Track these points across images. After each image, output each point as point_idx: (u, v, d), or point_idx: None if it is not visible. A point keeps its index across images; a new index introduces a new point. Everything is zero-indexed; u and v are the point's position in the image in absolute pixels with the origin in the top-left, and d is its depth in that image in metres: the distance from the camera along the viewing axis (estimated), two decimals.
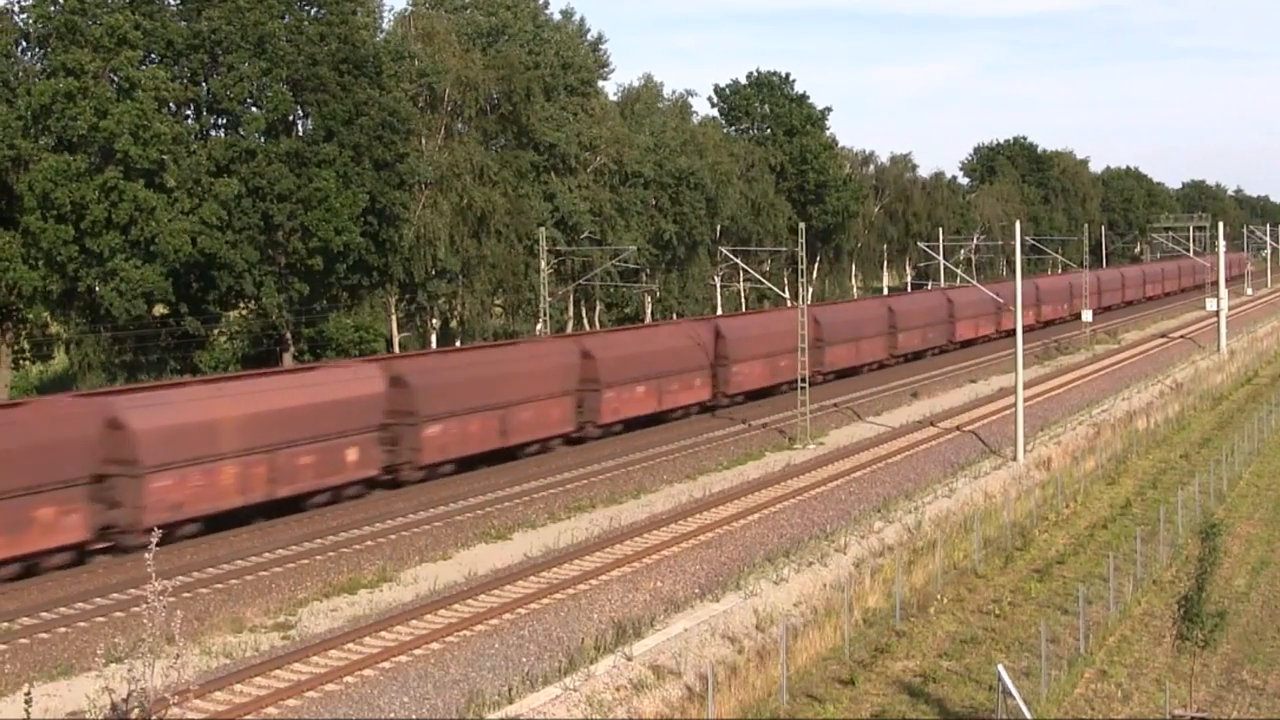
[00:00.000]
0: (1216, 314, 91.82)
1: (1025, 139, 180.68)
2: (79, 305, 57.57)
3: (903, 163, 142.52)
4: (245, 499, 36.68)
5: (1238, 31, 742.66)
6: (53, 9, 56.57)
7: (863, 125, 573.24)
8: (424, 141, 71.99)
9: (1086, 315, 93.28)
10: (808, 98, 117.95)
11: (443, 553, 35.08)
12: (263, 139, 61.88)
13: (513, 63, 77.70)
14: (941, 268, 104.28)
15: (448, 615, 29.01)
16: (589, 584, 31.67)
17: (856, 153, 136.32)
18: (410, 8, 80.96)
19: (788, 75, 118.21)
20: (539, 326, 71.03)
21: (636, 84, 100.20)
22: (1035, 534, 38.78)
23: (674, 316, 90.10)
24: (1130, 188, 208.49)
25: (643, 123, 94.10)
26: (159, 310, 61.54)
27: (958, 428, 56.15)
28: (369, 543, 35.57)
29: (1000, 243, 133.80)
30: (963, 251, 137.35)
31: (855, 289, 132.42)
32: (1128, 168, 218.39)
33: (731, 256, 76.06)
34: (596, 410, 51.03)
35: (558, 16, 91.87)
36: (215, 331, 64.69)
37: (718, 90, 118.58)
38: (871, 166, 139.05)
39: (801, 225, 61.08)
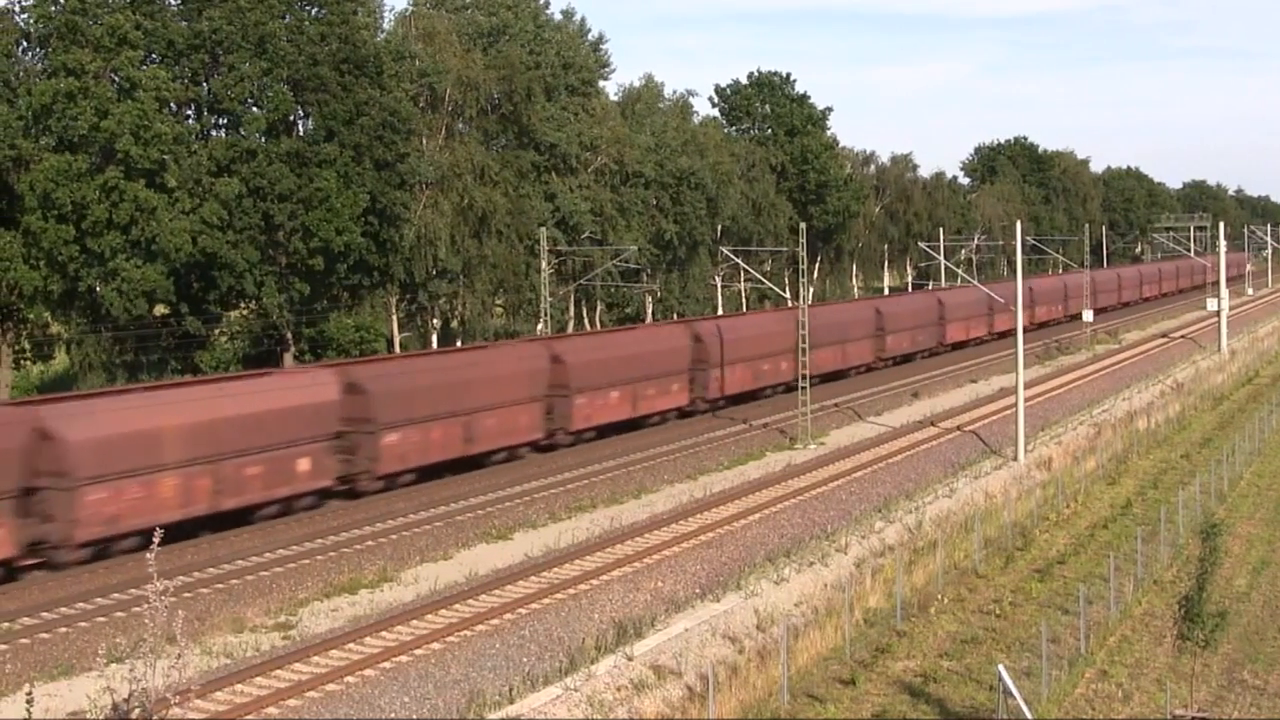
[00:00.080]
0: (1217, 314, 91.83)
1: (1026, 139, 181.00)
2: (80, 305, 57.60)
3: (903, 163, 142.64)
4: (187, 512, 34.97)
5: (1238, 31, 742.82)
6: (53, 9, 56.61)
7: (863, 125, 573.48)
8: (425, 141, 72.01)
9: (1087, 315, 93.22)
10: (808, 98, 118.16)
11: (443, 553, 35.08)
12: (263, 139, 61.92)
13: (513, 63, 77.73)
14: (942, 268, 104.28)
15: (448, 615, 29.01)
16: (590, 584, 31.67)
17: (857, 153, 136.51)
18: (411, 8, 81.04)
19: (788, 75, 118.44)
20: (540, 326, 71.03)
21: (637, 84, 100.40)
22: (1036, 534, 38.79)
23: (674, 316, 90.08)
24: (1131, 188, 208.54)
25: (643, 123, 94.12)
26: (160, 310, 61.59)
27: (958, 428, 56.14)
28: (370, 543, 35.57)
29: (1001, 243, 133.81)
30: (963, 252, 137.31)
31: (856, 289, 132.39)
32: (1128, 168, 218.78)
33: (732, 256, 76.01)
34: (568, 416, 49.47)
35: (558, 16, 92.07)
36: (216, 331, 64.72)
37: (718, 90, 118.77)
38: (872, 166, 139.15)
39: (802, 225, 61.02)
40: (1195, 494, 42.12)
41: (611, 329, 70.78)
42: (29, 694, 14.02)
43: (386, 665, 25.74)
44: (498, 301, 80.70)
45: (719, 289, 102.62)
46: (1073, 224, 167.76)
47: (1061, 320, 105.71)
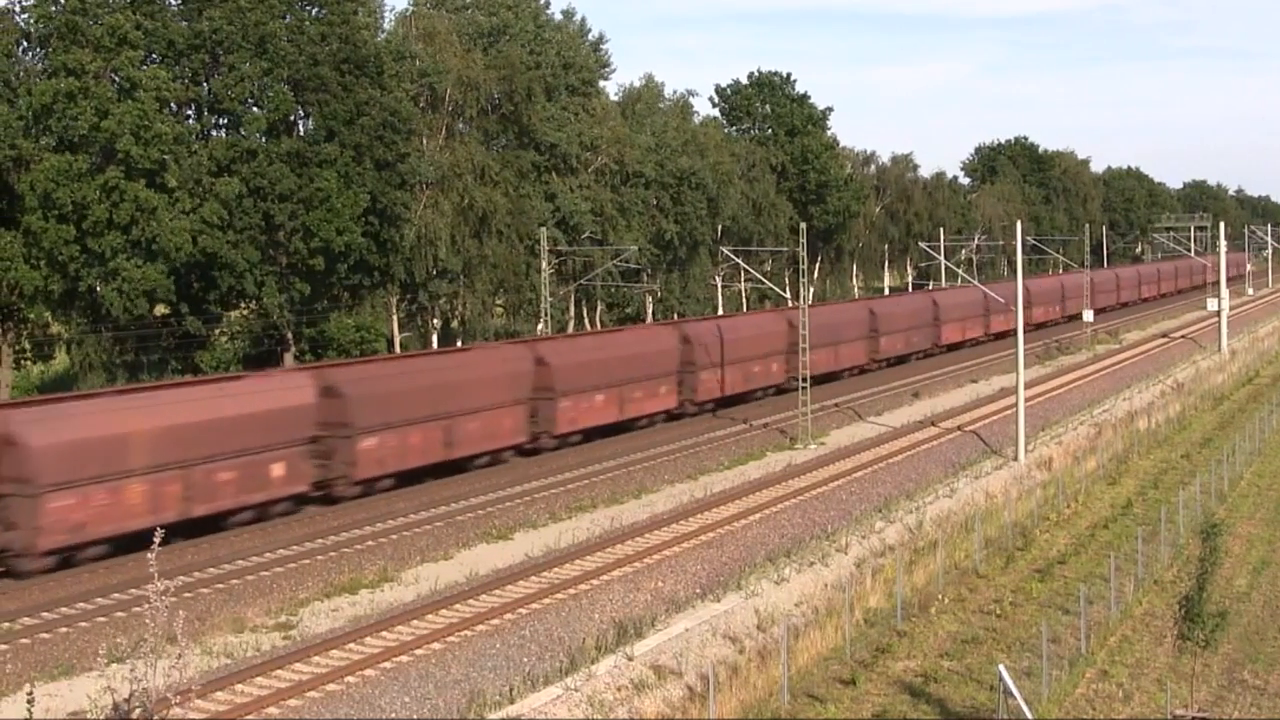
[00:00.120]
0: (1218, 314, 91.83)
1: (1026, 139, 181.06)
2: (80, 305, 57.61)
3: (904, 163, 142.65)
4: (156, 518, 32.68)
5: (1238, 31, 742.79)
6: (54, 9, 56.62)
7: (864, 125, 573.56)
8: (425, 141, 72.02)
9: (1088, 315, 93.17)
10: (809, 98, 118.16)
11: (444, 553, 35.09)
12: (264, 139, 61.93)
13: (514, 63, 77.75)
14: (943, 268, 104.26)
15: (449, 615, 29.01)
16: (590, 584, 31.67)
17: (857, 153, 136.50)
18: (411, 8, 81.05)
19: (789, 75, 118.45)
20: (540, 326, 71.03)
21: (637, 84, 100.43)
22: (1036, 534, 38.80)
23: (675, 316, 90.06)
24: (1131, 188, 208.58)
25: (644, 123, 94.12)
26: (160, 310, 61.60)
27: (959, 428, 56.14)
28: (370, 543, 35.57)
29: (1001, 243, 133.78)
30: (964, 252, 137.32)
31: (857, 289, 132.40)
32: (1129, 168, 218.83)
33: (733, 256, 75.97)
34: (552, 420, 48.52)
35: (559, 16, 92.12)
36: (216, 331, 64.73)
37: (719, 90, 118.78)
38: (873, 166, 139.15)
39: (803, 225, 60.99)
40: (1195, 494, 42.13)
41: (598, 330, 69.47)
42: (30, 694, 14.03)
43: (387, 665, 25.75)
44: (498, 302, 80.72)
45: (719, 289, 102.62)
46: (1073, 224, 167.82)
47: (1059, 321, 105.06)
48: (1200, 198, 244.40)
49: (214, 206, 57.78)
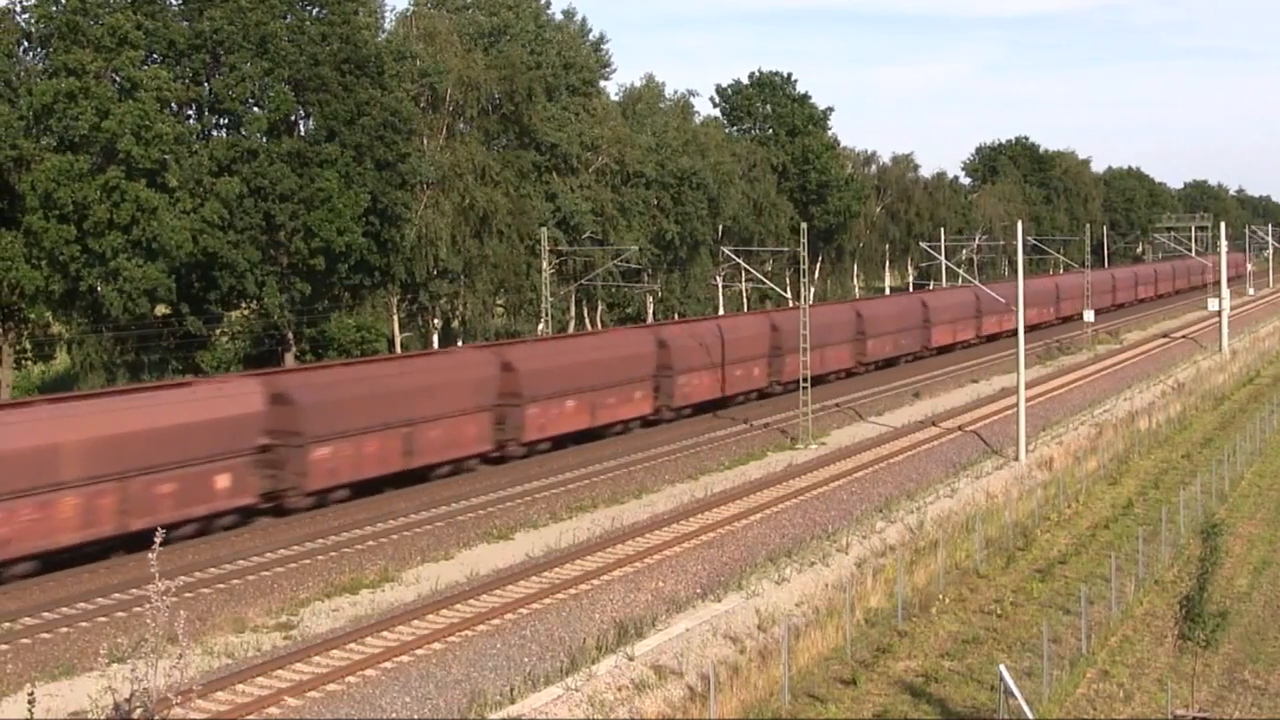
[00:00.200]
0: (1218, 314, 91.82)
1: (1027, 139, 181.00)
2: (81, 305, 57.61)
3: (904, 163, 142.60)
4: (89, 533, 32.60)
5: (1239, 31, 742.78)
6: (54, 9, 56.61)
7: (864, 125, 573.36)
8: (426, 141, 72.03)
9: (1088, 315, 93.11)
10: (809, 98, 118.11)
11: (445, 553, 35.10)
12: (264, 139, 61.93)
13: (514, 63, 77.76)
14: (943, 268, 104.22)
15: (450, 615, 29.02)
16: (591, 584, 31.68)
17: (858, 153, 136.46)
18: (412, 8, 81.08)
19: (789, 75, 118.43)
20: (540, 326, 71.03)
21: (638, 84, 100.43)
22: (1037, 534, 38.78)
23: (676, 316, 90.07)
24: (1132, 188, 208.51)
25: (644, 123, 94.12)
26: (161, 310, 61.61)
27: (959, 428, 56.14)
28: (371, 543, 35.58)
29: (1002, 243, 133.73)
30: (964, 252, 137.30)
31: (858, 289, 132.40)
32: (1129, 168, 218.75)
33: (733, 257, 75.95)
34: (520, 427, 46.98)
35: (559, 16, 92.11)
36: (217, 331, 64.73)
37: (719, 90, 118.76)
38: (873, 166, 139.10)
39: (803, 225, 60.95)
40: (1196, 494, 42.11)
41: (569, 334, 67.21)
42: (31, 694, 14.04)
43: (388, 665, 25.76)
44: (499, 301, 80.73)
45: (720, 289, 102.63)
46: (1074, 224, 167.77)
47: (1053, 323, 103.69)
48: (1201, 198, 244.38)
49: (215, 206, 57.79)
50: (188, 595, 29.53)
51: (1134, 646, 28.73)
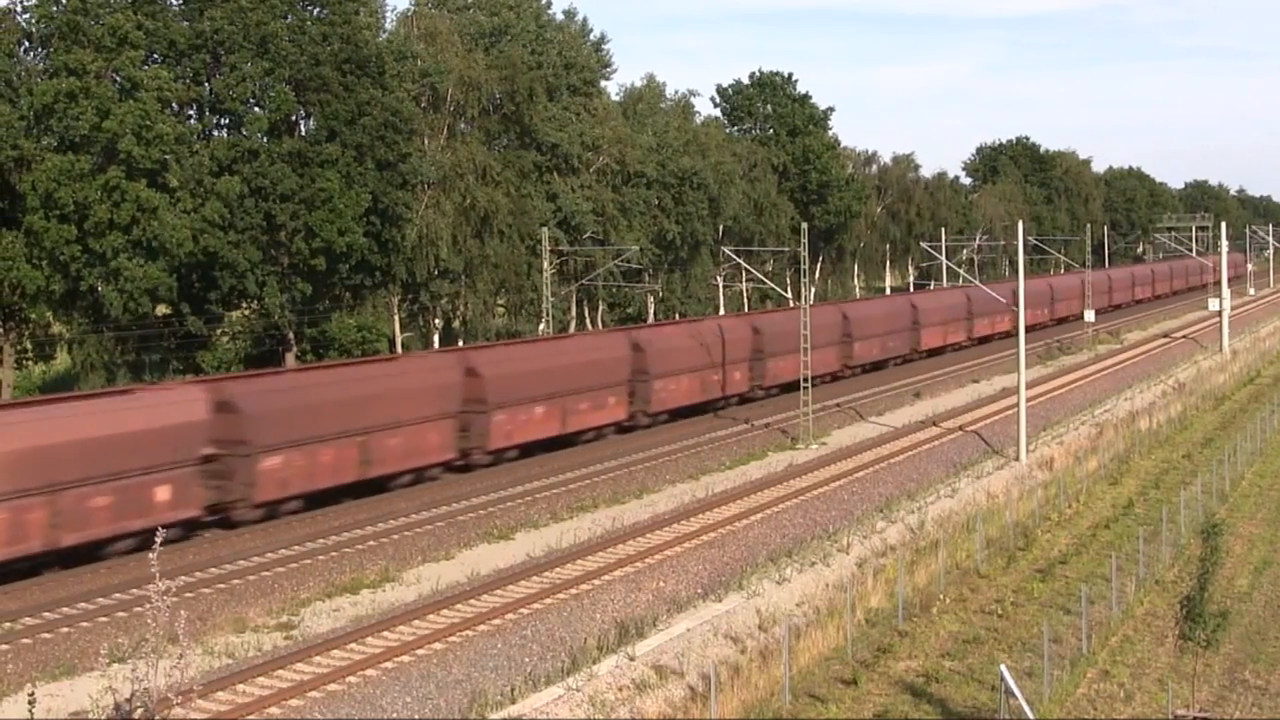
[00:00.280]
0: (1219, 314, 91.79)
1: (1028, 139, 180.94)
2: (82, 305, 57.63)
3: (905, 163, 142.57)
4: (16, 550, 31.07)
5: (1240, 31, 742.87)
6: (55, 9, 56.63)
7: (865, 125, 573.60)
8: (427, 141, 72.04)
9: (1089, 315, 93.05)
10: (810, 98, 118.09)
11: (445, 553, 35.10)
12: (265, 139, 61.93)
13: (515, 63, 77.76)
14: (944, 268, 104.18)
15: (450, 615, 29.02)
16: (591, 584, 31.68)
17: (859, 153, 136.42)
18: (413, 8, 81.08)
19: (790, 75, 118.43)
20: (541, 326, 71.04)
21: (639, 84, 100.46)
22: (1038, 534, 38.77)
23: (676, 316, 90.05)
24: (1133, 188, 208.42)
25: (645, 123, 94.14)
26: (161, 310, 61.63)
27: (960, 428, 56.13)
28: (371, 543, 35.58)
29: (1003, 243, 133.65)
30: (965, 252, 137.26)
31: (858, 289, 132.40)
32: (1130, 168, 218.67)
33: (734, 257, 75.91)
34: (485, 434, 45.43)
35: (560, 17, 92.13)
36: (218, 331, 64.74)
37: (720, 90, 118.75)
38: (874, 166, 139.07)
39: (804, 225, 60.90)
40: (1197, 494, 42.10)
41: (538, 338, 65.87)
42: (31, 694, 14.04)
43: (388, 665, 25.76)
44: (499, 301, 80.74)
45: (720, 289, 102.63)
46: (1074, 224, 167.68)
47: (1048, 324, 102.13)
48: (1202, 198, 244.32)
49: (215, 206, 57.79)
50: (188, 595, 29.54)
51: (1134, 646, 28.72)
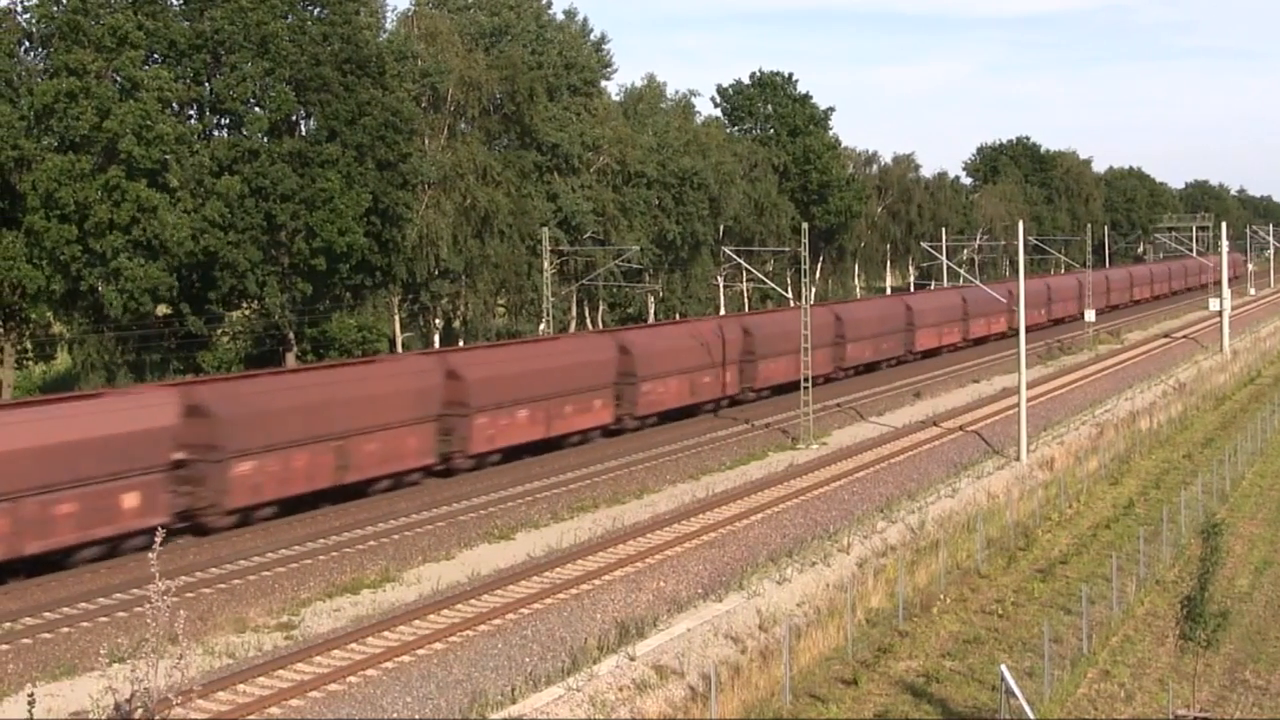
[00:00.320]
0: (1220, 314, 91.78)
1: (1028, 139, 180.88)
2: (82, 305, 57.64)
3: (906, 163, 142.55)
4: None
5: (1240, 32, 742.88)
6: (55, 9, 56.61)
7: (865, 125, 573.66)
8: (427, 142, 72.03)
9: (1089, 315, 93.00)
10: (810, 98, 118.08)
11: (446, 553, 35.11)
12: (266, 139, 61.90)
13: (516, 63, 77.75)
14: (944, 267, 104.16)
15: (451, 615, 29.02)
16: (592, 584, 31.68)
17: (860, 153, 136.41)
18: (413, 8, 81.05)
19: (790, 75, 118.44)
20: (542, 326, 71.04)
21: (639, 84, 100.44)
22: (1038, 534, 38.77)
23: (677, 316, 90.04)
24: (1133, 188, 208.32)
25: (646, 123, 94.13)
26: (162, 310, 61.63)
27: (961, 428, 56.12)
28: (372, 543, 35.59)
29: (1003, 243, 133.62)
30: (965, 252, 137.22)
31: (859, 289, 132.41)
32: (1131, 168, 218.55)
33: (734, 257, 75.90)
34: (466, 438, 44.46)
35: (561, 17, 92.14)
36: (218, 331, 64.72)
37: (720, 90, 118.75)
38: (874, 166, 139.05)
39: (805, 225, 60.89)
40: (1197, 494, 42.10)
41: (523, 340, 64.18)
42: (30, 695, 14.05)
43: (389, 665, 25.77)
44: (500, 301, 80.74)
45: (721, 289, 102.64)
46: (1075, 224, 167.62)
47: (1044, 325, 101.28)
48: (1202, 198, 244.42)
49: (216, 206, 57.76)
50: (189, 595, 29.54)
51: (1135, 646, 28.72)
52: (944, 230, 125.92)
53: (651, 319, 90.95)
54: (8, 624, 28.13)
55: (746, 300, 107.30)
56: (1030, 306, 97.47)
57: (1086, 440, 53.96)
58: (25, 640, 27.21)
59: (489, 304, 77.64)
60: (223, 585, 31.32)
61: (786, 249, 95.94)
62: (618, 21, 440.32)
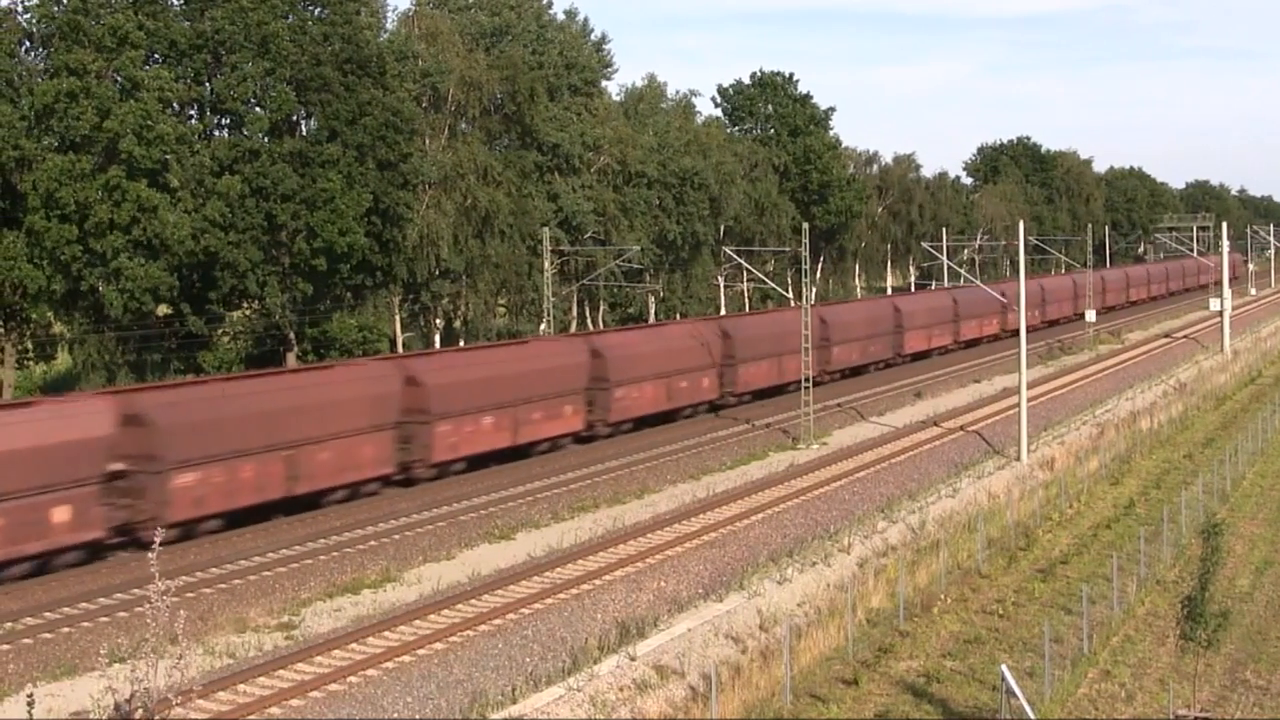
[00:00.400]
0: (1220, 314, 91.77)
1: (1029, 139, 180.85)
2: (83, 305, 57.65)
3: (906, 163, 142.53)
4: None
5: (1241, 32, 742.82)
6: (56, 9, 56.62)
7: (866, 125, 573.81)
8: (428, 142, 72.02)
9: (1090, 315, 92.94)
10: (811, 98, 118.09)
11: (446, 553, 35.10)
12: (266, 139, 61.90)
13: (516, 63, 77.76)
14: (945, 268, 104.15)
15: (451, 615, 29.02)
16: (592, 584, 31.68)
17: (860, 153, 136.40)
18: (414, 8, 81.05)
19: (791, 75, 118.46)
20: (542, 327, 71.05)
21: (640, 84, 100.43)
22: (1039, 534, 38.76)
23: (678, 316, 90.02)
24: (1134, 188, 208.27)
25: (646, 123, 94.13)
26: (163, 310, 61.63)
27: (961, 428, 56.11)
28: (373, 543, 35.59)
29: (1004, 243, 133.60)
30: (966, 252, 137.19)
31: (859, 289, 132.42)
32: (1131, 168, 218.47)
33: (735, 257, 75.87)
34: (427, 447, 43.01)
35: (561, 16, 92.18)
36: (219, 331, 64.72)
37: (721, 90, 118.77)
38: (875, 166, 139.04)
39: (805, 225, 60.85)
40: (1198, 494, 42.09)
41: (488, 344, 62.12)
42: (30, 696, 14.05)
43: (389, 665, 25.77)
44: (501, 301, 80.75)
45: (722, 289, 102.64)
46: (1075, 224, 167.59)
47: (1039, 326, 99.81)
48: (1203, 198, 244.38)
49: (216, 205, 57.76)
50: (189, 595, 29.56)
51: (1136, 646, 28.71)
52: (945, 230, 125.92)
53: (652, 319, 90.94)
54: (8, 624, 28.14)
55: (747, 300, 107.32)
56: (1026, 307, 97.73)
57: (1087, 440, 53.93)
58: (26, 640, 27.22)
59: (490, 304, 77.66)
60: (223, 585, 31.33)
61: (787, 249, 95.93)
62: (618, 21, 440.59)
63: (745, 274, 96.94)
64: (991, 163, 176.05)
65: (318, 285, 63.31)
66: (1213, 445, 54.73)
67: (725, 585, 31.45)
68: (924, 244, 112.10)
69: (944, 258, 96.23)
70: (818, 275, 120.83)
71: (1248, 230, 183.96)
